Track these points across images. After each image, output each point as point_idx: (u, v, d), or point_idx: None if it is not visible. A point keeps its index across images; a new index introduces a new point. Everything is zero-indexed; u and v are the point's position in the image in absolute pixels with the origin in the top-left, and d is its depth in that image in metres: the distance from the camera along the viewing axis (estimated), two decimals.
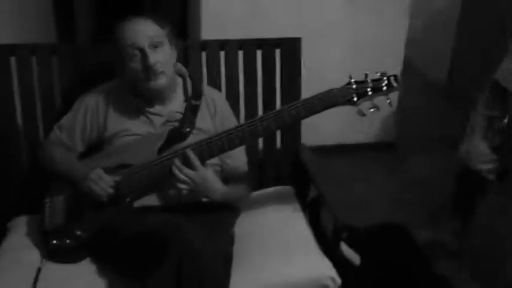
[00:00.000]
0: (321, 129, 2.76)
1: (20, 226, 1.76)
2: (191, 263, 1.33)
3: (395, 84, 1.53)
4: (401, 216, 2.56)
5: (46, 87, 1.84)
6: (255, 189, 1.90)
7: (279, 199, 1.91)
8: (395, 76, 1.54)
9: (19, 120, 1.84)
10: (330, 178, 1.90)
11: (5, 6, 1.99)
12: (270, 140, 2.00)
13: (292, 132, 1.99)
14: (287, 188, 1.97)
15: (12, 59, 1.81)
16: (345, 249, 1.91)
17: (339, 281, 1.56)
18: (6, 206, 1.84)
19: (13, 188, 1.85)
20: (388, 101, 1.55)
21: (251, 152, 1.88)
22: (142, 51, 1.58)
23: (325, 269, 1.58)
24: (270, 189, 1.97)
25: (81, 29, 3.49)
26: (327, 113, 2.69)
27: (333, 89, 1.54)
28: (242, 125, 1.59)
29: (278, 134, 1.99)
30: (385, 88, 1.52)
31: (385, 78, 1.52)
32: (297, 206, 1.88)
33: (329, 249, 1.69)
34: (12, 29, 2.24)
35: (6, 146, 1.84)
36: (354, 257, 1.96)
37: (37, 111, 1.85)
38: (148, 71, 1.59)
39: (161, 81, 1.62)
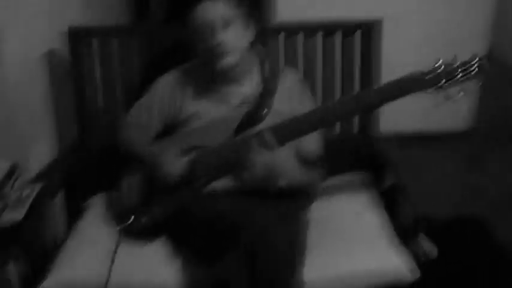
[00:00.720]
0: (398, 117, 2.66)
1: (97, 204, 1.80)
2: (264, 248, 1.31)
3: (486, 68, 1.43)
4: (481, 209, 2.43)
5: (125, 68, 1.87)
6: (330, 175, 1.85)
7: (354, 186, 1.85)
8: (485, 59, 1.43)
9: (99, 101, 1.88)
10: (408, 167, 1.82)
11: None
12: (346, 126, 1.94)
13: (370, 118, 1.93)
14: (362, 175, 1.91)
15: (93, 41, 1.85)
16: (423, 241, 1.84)
17: (417, 273, 1.49)
18: (84, 184, 1.89)
19: (92, 167, 1.90)
20: (474, 86, 1.45)
21: (327, 137, 1.83)
22: (211, 30, 1.56)
23: (404, 260, 1.51)
24: (345, 176, 1.91)
25: (156, 9, 3.54)
26: (404, 100, 2.58)
27: (418, 72, 1.46)
28: (321, 109, 1.54)
29: (355, 119, 1.94)
30: (475, 72, 1.43)
31: (475, 61, 1.43)
32: (373, 193, 1.81)
33: (406, 240, 1.63)
34: (89, 9, 2.29)
35: (87, 126, 1.89)
36: (432, 250, 1.88)
37: (116, 92, 1.88)
38: (216, 49, 1.57)
39: (228, 60, 1.58)
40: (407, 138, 2.82)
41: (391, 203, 1.81)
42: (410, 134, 2.95)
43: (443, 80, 1.43)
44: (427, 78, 1.43)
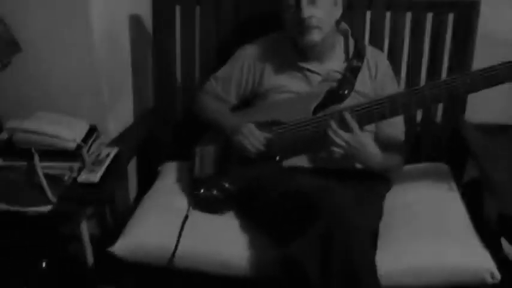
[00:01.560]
0: (485, 105, 2.50)
1: (170, 171, 1.81)
2: (341, 231, 1.25)
3: None
4: None
5: (206, 37, 1.85)
6: (408, 162, 1.76)
7: (434, 176, 1.75)
8: None
9: (178, 69, 1.87)
10: (493, 160, 1.70)
11: None
12: (429, 112, 1.84)
13: (456, 105, 1.81)
14: (442, 166, 1.81)
15: (177, 8, 1.83)
16: (505, 244, 1.72)
17: (498, 276, 1.39)
18: (159, 150, 1.90)
19: (167, 134, 1.90)
20: None
21: (407, 123, 1.74)
22: (298, 3, 1.50)
23: (485, 261, 1.40)
24: (424, 165, 1.82)
25: None
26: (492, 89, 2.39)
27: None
28: (407, 92, 1.46)
29: (439, 106, 1.83)
30: None
31: None
32: (453, 185, 1.71)
33: (488, 239, 1.52)
34: None
35: (164, 93, 1.89)
36: None
37: (195, 61, 1.86)
38: (302, 24, 1.51)
39: (315, 36, 1.53)
40: (493, 129, 2.65)
41: (472, 198, 1.71)
42: (496, 125, 2.77)
43: None
44: None
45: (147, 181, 1.80)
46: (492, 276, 1.38)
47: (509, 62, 1.39)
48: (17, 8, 1.63)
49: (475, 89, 1.43)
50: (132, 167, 1.86)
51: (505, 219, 1.47)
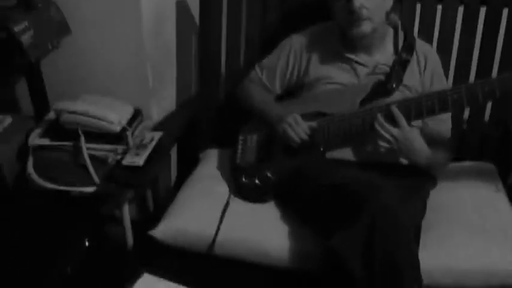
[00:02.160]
0: None
1: (211, 158, 1.81)
2: (385, 226, 1.23)
3: None
4: None
5: (252, 25, 1.84)
6: (454, 160, 1.72)
7: (480, 175, 1.71)
8: None
9: (222, 56, 1.87)
10: None
11: None
12: (478, 110, 1.79)
13: (506, 104, 1.76)
14: (489, 165, 1.76)
15: None
16: None
17: None
18: (201, 137, 1.90)
19: (209, 121, 1.90)
20: None
21: (454, 120, 1.70)
22: None
23: None
24: (471, 163, 1.78)
25: None
26: None
27: None
28: (458, 88, 1.42)
29: (488, 103, 1.78)
30: None
31: None
32: (500, 186, 1.67)
33: None
34: None
35: (207, 79, 1.89)
36: None
37: (240, 48, 1.86)
38: (352, 15, 1.48)
39: (364, 28, 1.50)
40: None
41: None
42: None
43: None
44: None
45: (188, 167, 1.81)
46: None
47: None
48: None
49: None
50: (173, 153, 1.87)
51: None
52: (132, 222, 1.65)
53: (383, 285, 1.21)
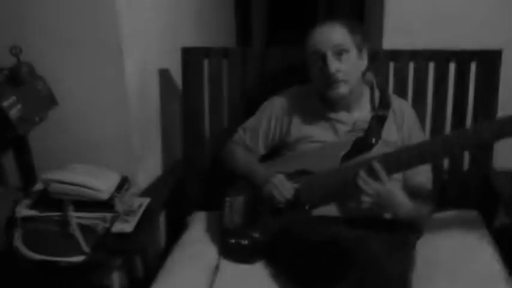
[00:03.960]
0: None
1: (199, 221, 1.83)
2: (374, 279, 1.26)
3: None
4: None
5: (233, 89, 1.90)
6: (438, 210, 1.76)
7: (464, 224, 1.75)
8: None
9: (206, 120, 1.92)
10: None
11: (180, 11, 2.15)
12: (457, 159, 1.85)
13: (484, 152, 1.82)
14: (473, 213, 1.81)
15: (205, 62, 1.90)
16: None
17: None
18: (187, 200, 1.92)
19: (195, 185, 1.93)
20: None
21: (435, 170, 1.74)
22: (324, 58, 1.55)
23: None
24: (454, 212, 1.82)
25: (258, 35, 3.62)
26: None
27: None
28: (435, 140, 1.48)
29: (467, 153, 1.84)
30: None
31: None
32: (485, 232, 1.70)
33: None
34: (197, 32, 2.37)
35: (192, 144, 1.93)
36: None
37: (223, 112, 1.91)
38: (329, 79, 1.55)
39: (341, 90, 1.57)
40: None
41: (506, 244, 1.69)
42: None
43: None
44: None
45: (176, 231, 1.82)
46: None
47: None
48: (55, 66, 1.71)
49: (502, 136, 1.43)
50: (161, 217, 1.89)
51: None
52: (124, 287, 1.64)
53: None
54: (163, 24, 1.99)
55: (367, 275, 1.25)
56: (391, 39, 2.53)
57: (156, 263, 1.64)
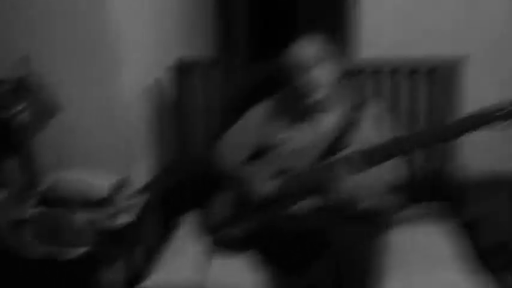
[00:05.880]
0: (479, 155, 2.68)
1: (191, 219, 1.98)
2: (349, 264, 1.42)
3: None
4: None
5: (224, 98, 2.09)
6: (405, 205, 1.94)
7: (432, 215, 1.94)
8: None
9: (198, 126, 2.09)
10: (486, 201, 1.88)
11: (171, 25, 2.34)
12: (424, 157, 2.04)
13: (447, 151, 2.02)
14: (438, 206, 1.99)
15: (197, 73, 2.08)
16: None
17: None
18: (180, 202, 2.09)
19: (186, 187, 2.10)
20: None
21: (406, 171, 1.93)
22: (304, 67, 1.74)
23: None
24: (421, 206, 2.00)
25: (240, 46, 3.81)
26: (483, 139, 2.62)
27: (490, 107, 1.56)
28: (400, 137, 1.67)
29: (434, 153, 2.03)
30: None
31: None
32: (449, 223, 1.88)
33: (490, 271, 1.67)
34: (176, 46, 2.56)
35: (185, 148, 2.10)
36: None
37: (215, 119, 2.10)
38: (308, 85, 1.74)
39: (319, 94, 1.76)
40: (486, 176, 2.82)
41: (470, 235, 1.87)
42: (491, 172, 2.94)
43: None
44: (497, 114, 1.52)
45: (170, 230, 1.97)
46: None
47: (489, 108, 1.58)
48: (59, 76, 1.88)
49: (460, 133, 1.62)
50: (157, 216, 2.04)
51: (501, 249, 1.62)
52: (124, 276, 1.77)
53: None
54: (158, 36, 2.17)
55: (341, 260, 1.42)
56: (367, 52, 2.76)
57: (153, 256, 1.79)
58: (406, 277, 1.61)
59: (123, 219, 1.69)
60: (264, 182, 1.74)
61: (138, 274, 1.72)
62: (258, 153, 1.91)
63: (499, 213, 1.71)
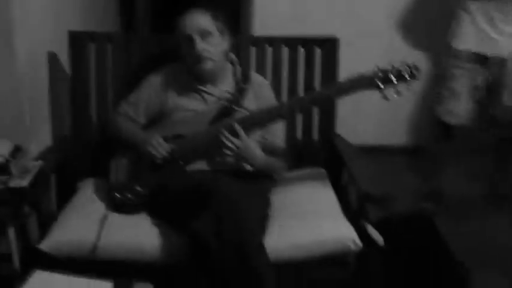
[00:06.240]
0: (357, 130, 2.95)
1: (88, 185, 2.05)
2: (229, 211, 1.57)
3: (416, 74, 1.76)
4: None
5: (117, 69, 2.16)
6: (291, 168, 2.14)
7: (312, 177, 2.16)
8: (416, 67, 1.76)
9: (92, 96, 2.16)
10: (361, 165, 2.11)
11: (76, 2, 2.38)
12: (307, 128, 2.25)
13: (328, 122, 2.23)
14: (320, 170, 2.21)
15: (90, 44, 2.14)
16: (370, 229, 2.11)
17: (359, 244, 1.76)
18: (77, 168, 2.15)
19: (84, 153, 2.17)
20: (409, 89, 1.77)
21: (290, 139, 2.16)
22: (192, 39, 1.87)
23: (348, 232, 1.78)
24: (305, 170, 2.22)
25: (141, 20, 3.89)
26: (363, 114, 2.95)
27: (361, 74, 1.78)
28: (280, 104, 1.86)
29: (316, 124, 2.24)
30: (407, 77, 1.75)
31: (407, 67, 1.75)
32: (328, 183, 2.11)
33: (353, 220, 1.90)
34: (83, 17, 2.60)
35: (81, 118, 2.16)
36: (378, 238, 2.15)
37: (108, 89, 2.17)
38: (196, 56, 1.88)
39: (207, 65, 1.90)
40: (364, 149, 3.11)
41: (344, 194, 2.11)
42: (368, 146, 3.24)
43: (380, 82, 1.75)
44: (367, 78, 1.75)
45: (67, 196, 2.03)
46: (355, 243, 1.76)
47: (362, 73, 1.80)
48: None
49: (336, 94, 1.85)
50: (53, 183, 2.09)
51: (362, 199, 1.87)
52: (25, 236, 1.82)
53: (234, 255, 1.53)
54: (50, 8, 2.20)
55: (222, 212, 1.57)
56: (259, 28, 2.98)
57: (50, 219, 1.85)
58: (284, 221, 1.82)
59: (21, 180, 1.73)
60: (159, 143, 1.85)
61: (33, 238, 1.78)
62: (153, 120, 2.03)
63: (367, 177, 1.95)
